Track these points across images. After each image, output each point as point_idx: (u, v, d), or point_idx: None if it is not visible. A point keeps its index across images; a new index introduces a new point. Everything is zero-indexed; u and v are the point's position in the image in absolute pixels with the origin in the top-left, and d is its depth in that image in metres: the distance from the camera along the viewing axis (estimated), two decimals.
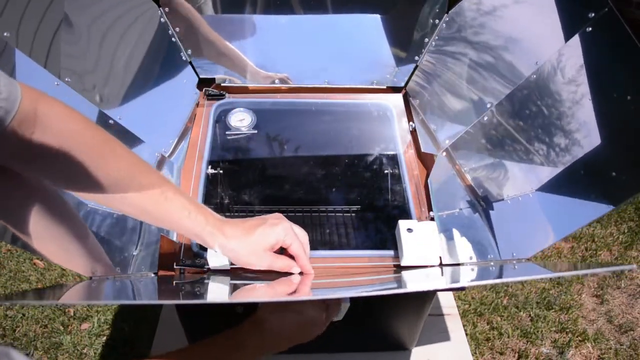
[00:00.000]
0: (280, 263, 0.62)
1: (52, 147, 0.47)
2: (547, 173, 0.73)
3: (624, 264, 1.74)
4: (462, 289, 1.44)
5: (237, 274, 0.67)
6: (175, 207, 0.57)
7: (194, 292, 0.65)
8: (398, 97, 0.99)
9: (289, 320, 0.58)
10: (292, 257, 0.64)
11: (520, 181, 0.77)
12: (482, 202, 0.79)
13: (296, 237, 0.62)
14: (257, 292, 0.61)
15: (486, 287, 1.68)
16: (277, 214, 0.64)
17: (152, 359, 0.51)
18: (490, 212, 0.77)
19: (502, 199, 0.77)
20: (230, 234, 0.59)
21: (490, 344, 1.53)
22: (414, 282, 0.66)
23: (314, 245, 0.68)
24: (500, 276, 0.69)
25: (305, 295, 0.61)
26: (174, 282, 0.66)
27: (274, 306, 0.58)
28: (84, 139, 0.50)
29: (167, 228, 0.65)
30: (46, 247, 0.57)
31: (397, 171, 0.88)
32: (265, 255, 0.61)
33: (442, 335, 0.96)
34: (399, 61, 0.98)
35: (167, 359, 0.52)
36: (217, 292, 0.65)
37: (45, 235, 0.57)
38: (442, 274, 0.69)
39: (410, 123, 0.93)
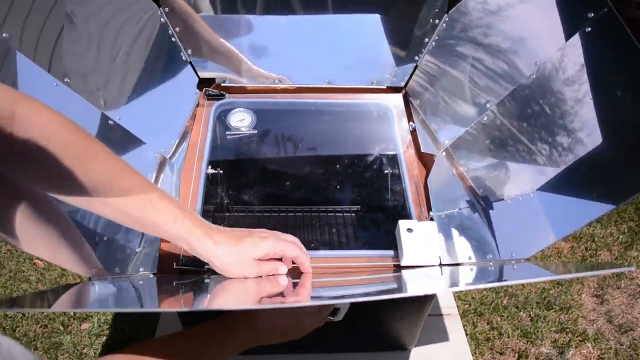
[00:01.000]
0: (267, 267, 0.61)
1: (29, 148, 0.47)
2: (549, 172, 0.73)
3: (623, 265, 1.74)
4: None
5: None
6: (160, 211, 0.55)
7: (194, 292, 0.65)
8: (398, 97, 0.99)
9: (281, 315, 0.58)
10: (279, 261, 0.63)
11: (521, 181, 0.77)
12: (482, 202, 0.79)
13: (286, 244, 0.62)
14: (255, 292, 0.61)
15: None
16: (263, 229, 0.63)
17: (140, 355, 0.49)
18: (490, 211, 0.77)
19: (503, 199, 0.77)
20: (220, 240, 0.57)
21: (490, 344, 1.53)
22: (413, 283, 0.66)
23: (314, 246, 0.68)
24: (499, 277, 0.69)
25: (302, 299, 0.61)
26: (174, 283, 0.66)
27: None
28: (63, 139, 0.49)
29: (151, 234, 0.62)
30: (35, 251, 0.56)
31: (397, 171, 0.88)
32: (253, 264, 0.60)
33: (442, 335, 0.95)
34: (399, 61, 0.98)
35: (161, 343, 0.52)
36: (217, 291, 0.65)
37: (33, 239, 0.56)
38: (442, 274, 0.69)
39: (410, 123, 0.93)
